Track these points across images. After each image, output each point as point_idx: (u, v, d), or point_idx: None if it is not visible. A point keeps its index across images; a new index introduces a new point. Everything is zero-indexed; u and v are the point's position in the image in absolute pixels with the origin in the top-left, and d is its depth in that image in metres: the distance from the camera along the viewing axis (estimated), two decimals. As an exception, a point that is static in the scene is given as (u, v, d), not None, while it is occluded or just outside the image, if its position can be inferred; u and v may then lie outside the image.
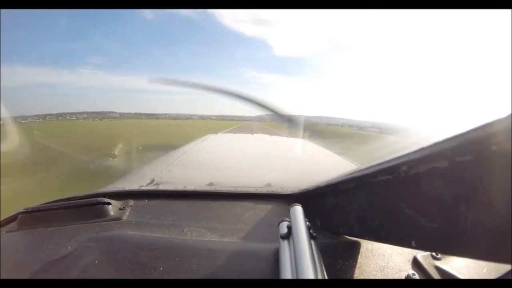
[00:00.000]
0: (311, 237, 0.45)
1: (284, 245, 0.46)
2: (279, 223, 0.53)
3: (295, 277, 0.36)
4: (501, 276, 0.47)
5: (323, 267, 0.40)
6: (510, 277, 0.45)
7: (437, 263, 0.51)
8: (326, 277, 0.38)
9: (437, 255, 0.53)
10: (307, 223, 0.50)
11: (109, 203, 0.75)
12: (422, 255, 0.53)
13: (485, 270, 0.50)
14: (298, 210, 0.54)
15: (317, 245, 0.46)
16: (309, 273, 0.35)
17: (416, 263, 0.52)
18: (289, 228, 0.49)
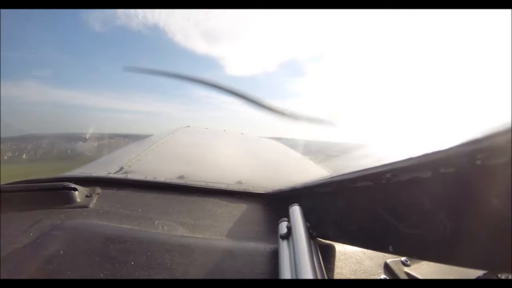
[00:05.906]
0: (310, 237, 0.45)
1: (284, 245, 0.45)
2: (278, 223, 0.53)
3: (294, 277, 0.36)
4: None
5: (323, 267, 0.41)
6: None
7: (407, 269, 0.53)
8: (326, 277, 0.39)
9: (407, 261, 0.55)
10: (307, 223, 0.50)
11: (75, 189, 0.70)
12: (392, 261, 0.55)
13: (453, 277, 0.52)
14: (297, 210, 0.54)
15: (316, 245, 0.46)
16: (308, 273, 0.35)
17: (387, 268, 0.54)
18: (289, 228, 0.48)
